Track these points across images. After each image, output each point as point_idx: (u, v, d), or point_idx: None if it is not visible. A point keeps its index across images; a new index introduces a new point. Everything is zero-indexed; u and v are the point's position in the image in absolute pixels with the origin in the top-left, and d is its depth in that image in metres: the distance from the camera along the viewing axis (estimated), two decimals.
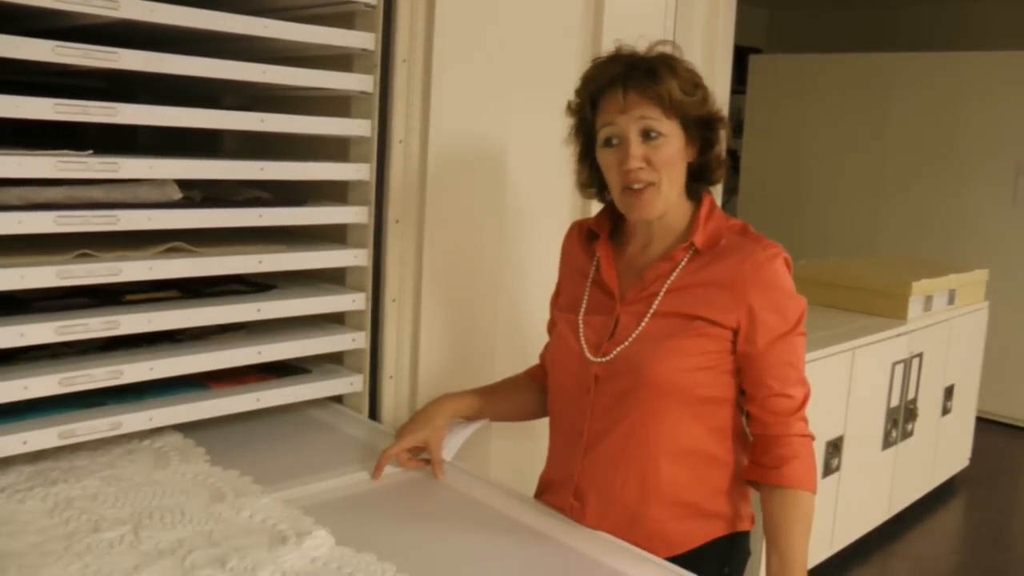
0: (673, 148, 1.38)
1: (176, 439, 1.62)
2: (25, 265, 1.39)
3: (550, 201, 2.09)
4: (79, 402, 1.51)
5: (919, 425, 3.49)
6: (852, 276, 3.60)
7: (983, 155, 5.01)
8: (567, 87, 1.49)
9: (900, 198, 5.34)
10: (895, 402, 3.31)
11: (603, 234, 1.51)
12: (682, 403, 1.38)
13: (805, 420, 1.40)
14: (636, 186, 1.38)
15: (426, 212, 1.84)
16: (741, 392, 1.42)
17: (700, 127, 1.41)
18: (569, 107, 1.48)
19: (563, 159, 1.58)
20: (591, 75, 1.43)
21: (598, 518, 1.42)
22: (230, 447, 1.61)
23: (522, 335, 2.02)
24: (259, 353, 1.68)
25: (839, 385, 2.98)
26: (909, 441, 3.46)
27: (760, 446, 1.41)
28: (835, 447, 2.97)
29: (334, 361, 1.89)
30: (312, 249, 1.77)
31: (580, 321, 1.48)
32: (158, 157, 1.51)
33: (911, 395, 3.42)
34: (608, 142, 1.40)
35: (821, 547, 3.01)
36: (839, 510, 3.06)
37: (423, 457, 1.59)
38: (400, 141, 1.78)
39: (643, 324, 1.40)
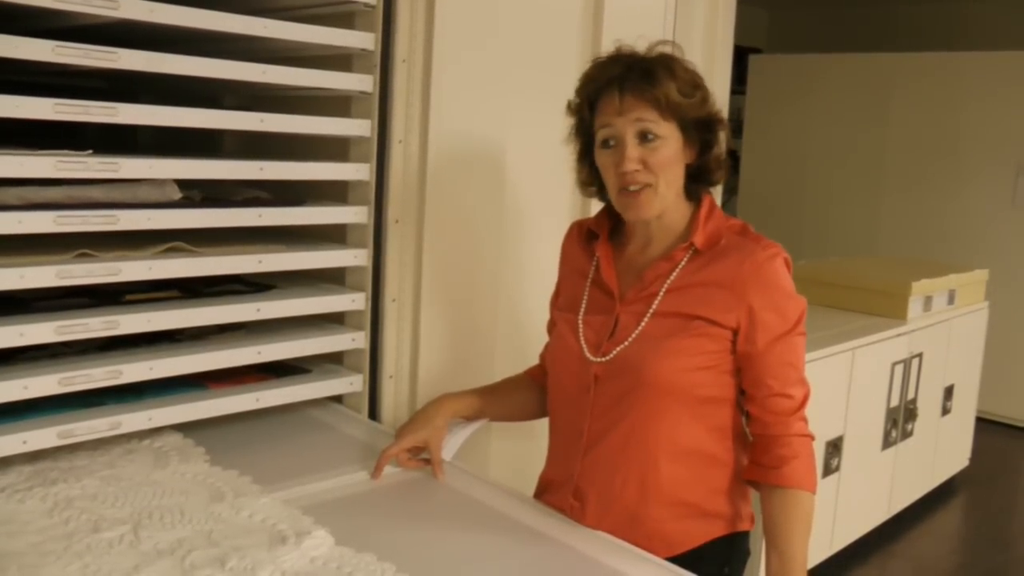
0: (670, 150, 1.38)
1: (176, 439, 1.62)
2: (25, 265, 1.39)
3: (550, 201, 2.09)
4: (78, 402, 1.51)
5: (919, 425, 3.49)
6: (852, 276, 3.60)
7: (983, 155, 5.01)
8: (567, 87, 1.49)
9: (900, 198, 5.34)
10: (895, 402, 3.31)
11: (603, 234, 1.51)
12: (682, 403, 1.38)
13: (805, 420, 1.40)
14: (632, 188, 1.38)
15: (426, 212, 1.84)
16: (741, 392, 1.42)
17: (699, 129, 1.41)
18: (569, 107, 1.48)
19: (563, 159, 1.58)
20: (590, 75, 1.43)
21: (598, 518, 1.42)
22: (229, 447, 1.61)
23: (522, 335, 2.02)
24: (259, 353, 1.68)
25: (839, 385, 2.98)
26: (909, 441, 3.46)
27: (760, 446, 1.41)
28: (835, 447, 2.97)
29: (334, 361, 1.89)
30: (312, 249, 1.77)
31: (580, 321, 1.48)
32: (158, 157, 1.51)
33: (911, 395, 3.42)
34: (606, 143, 1.40)
35: (821, 547, 3.01)
36: (839, 510, 3.06)
37: (423, 457, 1.59)
38: (400, 141, 1.78)
39: (643, 324, 1.40)
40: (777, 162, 5.83)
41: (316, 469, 1.54)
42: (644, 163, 1.37)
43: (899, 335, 3.28)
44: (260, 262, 1.66)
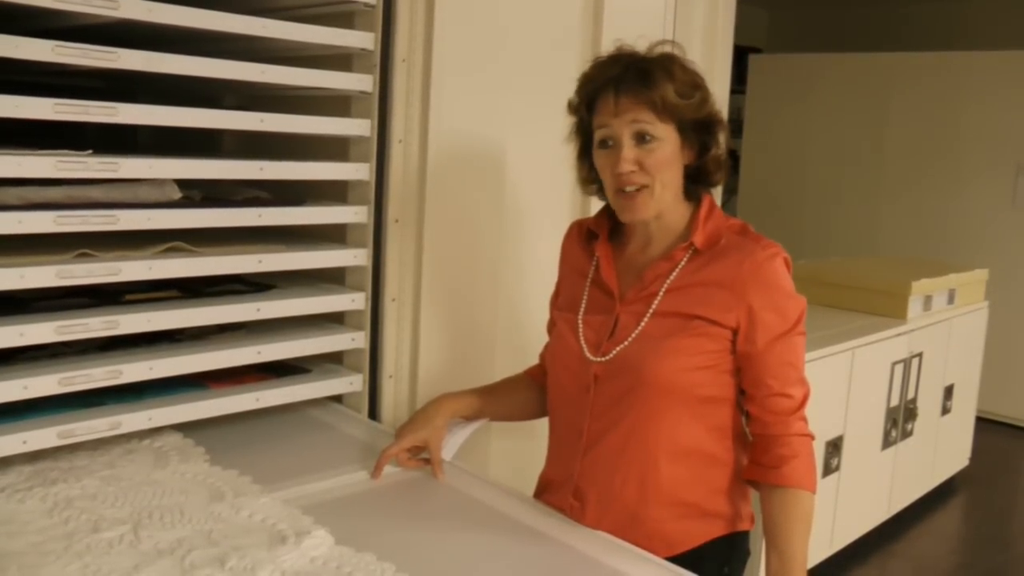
0: (667, 151, 1.37)
1: (175, 439, 1.62)
2: (25, 265, 1.39)
3: (549, 201, 2.09)
4: (78, 402, 1.51)
5: (919, 425, 3.49)
6: (852, 276, 3.60)
7: (983, 155, 5.01)
8: (566, 86, 1.48)
9: (900, 198, 5.34)
10: (895, 402, 3.31)
11: (602, 234, 1.50)
12: (682, 403, 1.38)
13: (805, 420, 1.40)
14: (628, 189, 1.38)
15: (426, 212, 1.84)
16: (741, 392, 1.42)
17: (697, 130, 1.40)
18: (569, 105, 1.48)
19: (563, 159, 1.58)
20: (588, 75, 1.43)
21: (598, 518, 1.42)
22: (229, 447, 1.61)
23: (522, 335, 2.02)
24: (259, 353, 1.68)
25: (839, 385, 2.98)
26: (909, 441, 3.46)
27: (760, 446, 1.41)
28: (835, 447, 2.97)
29: (334, 361, 1.89)
30: (312, 249, 1.77)
31: (580, 321, 1.48)
32: (158, 157, 1.51)
33: (911, 395, 3.42)
34: (603, 143, 1.40)
35: (821, 547, 3.01)
36: (839, 510, 3.06)
37: (423, 457, 1.59)
38: (400, 141, 1.78)
39: (643, 324, 1.40)
40: (777, 162, 5.83)
41: (316, 469, 1.54)
42: (640, 164, 1.36)
43: (899, 335, 3.29)
44: (260, 262, 1.66)
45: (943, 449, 3.82)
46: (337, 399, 1.89)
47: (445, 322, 1.92)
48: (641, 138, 1.36)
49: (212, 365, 1.63)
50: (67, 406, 1.50)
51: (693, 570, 1.29)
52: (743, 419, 1.44)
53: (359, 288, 1.82)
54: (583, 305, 1.49)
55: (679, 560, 1.34)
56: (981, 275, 3.96)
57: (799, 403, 1.39)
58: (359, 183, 1.79)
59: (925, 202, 5.24)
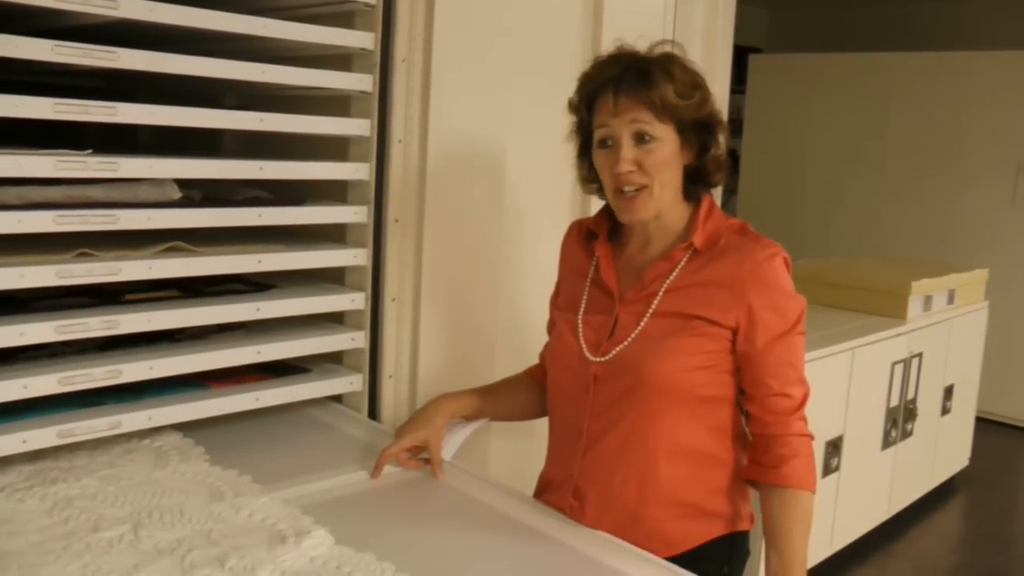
0: (666, 152, 1.37)
1: (175, 438, 1.62)
2: (25, 264, 1.39)
3: (549, 201, 2.09)
4: (78, 401, 1.52)
5: (919, 425, 3.49)
6: (852, 276, 3.60)
7: (983, 155, 5.02)
8: (566, 86, 1.48)
9: (900, 198, 5.34)
10: (895, 402, 3.31)
11: (602, 234, 1.50)
12: (681, 403, 1.38)
13: (804, 419, 1.40)
14: (626, 189, 1.38)
15: (425, 212, 1.84)
16: (740, 391, 1.42)
17: (697, 130, 1.40)
18: (569, 105, 1.48)
19: (563, 158, 1.58)
20: (588, 75, 1.43)
21: (597, 518, 1.42)
22: (229, 446, 1.61)
23: (522, 335, 2.02)
24: (258, 352, 1.68)
25: (839, 385, 2.98)
26: (909, 441, 3.46)
27: (759, 445, 1.41)
28: (835, 447, 2.97)
29: (333, 360, 1.89)
30: (311, 248, 1.77)
31: (579, 321, 1.48)
32: (158, 157, 1.51)
33: (911, 395, 3.42)
34: (602, 143, 1.40)
35: (821, 547, 3.01)
36: (839, 510, 3.06)
37: (422, 457, 1.59)
38: (399, 141, 1.78)
39: (642, 324, 1.40)
40: (777, 162, 5.83)
41: (316, 469, 1.54)
42: (639, 164, 1.36)
43: (899, 335, 3.29)
44: (260, 262, 1.66)
45: (943, 449, 3.82)
46: (337, 399, 1.89)
47: (445, 322, 1.92)
48: (640, 138, 1.36)
49: (212, 365, 1.63)
50: (67, 406, 1.50)
51: (693, 570, 1.29)
52: (743, 419, 1.44)
53: (359, 288, 1.82)
54: (583, 305, 1.49)
55: (679, 560, 1.34)
56: (981, 275, 3.96)
57: (799, 403, 1.39)
58: (359, 183, 1.79)
59: (925, 202, 5.24)
